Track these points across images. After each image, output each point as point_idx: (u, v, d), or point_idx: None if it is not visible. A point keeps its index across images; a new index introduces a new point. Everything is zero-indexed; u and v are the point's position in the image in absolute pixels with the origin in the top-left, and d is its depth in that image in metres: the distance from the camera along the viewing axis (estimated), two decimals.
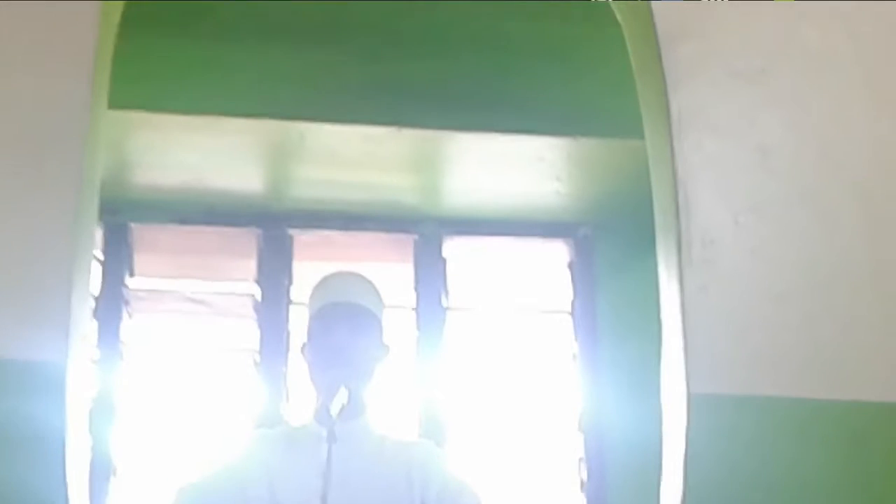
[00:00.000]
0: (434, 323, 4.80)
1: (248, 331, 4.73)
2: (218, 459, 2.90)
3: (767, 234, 2.88)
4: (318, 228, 4.86)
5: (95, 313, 4.40)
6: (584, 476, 4.71)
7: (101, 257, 4.62)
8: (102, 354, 4.56)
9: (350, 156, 4.43)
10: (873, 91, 3.02)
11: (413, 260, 4.88)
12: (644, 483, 3.18)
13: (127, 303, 4.71)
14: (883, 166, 2.96)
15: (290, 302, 4.74)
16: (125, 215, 4.71)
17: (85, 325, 2.84)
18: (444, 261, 4.89)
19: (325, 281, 2.99)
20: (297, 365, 4.54)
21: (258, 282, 4.78)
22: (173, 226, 4.79)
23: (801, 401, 2.78)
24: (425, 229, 4.89)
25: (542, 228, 4.95)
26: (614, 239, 4.84)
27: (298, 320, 4.64)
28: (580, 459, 4.73)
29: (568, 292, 4.93)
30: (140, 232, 4.79)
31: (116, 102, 3.15)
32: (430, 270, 4.86)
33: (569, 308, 4.93)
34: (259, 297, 4.76)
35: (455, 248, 4.93)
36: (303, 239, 4.86)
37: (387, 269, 4.79)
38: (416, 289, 4.83)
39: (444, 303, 4.84)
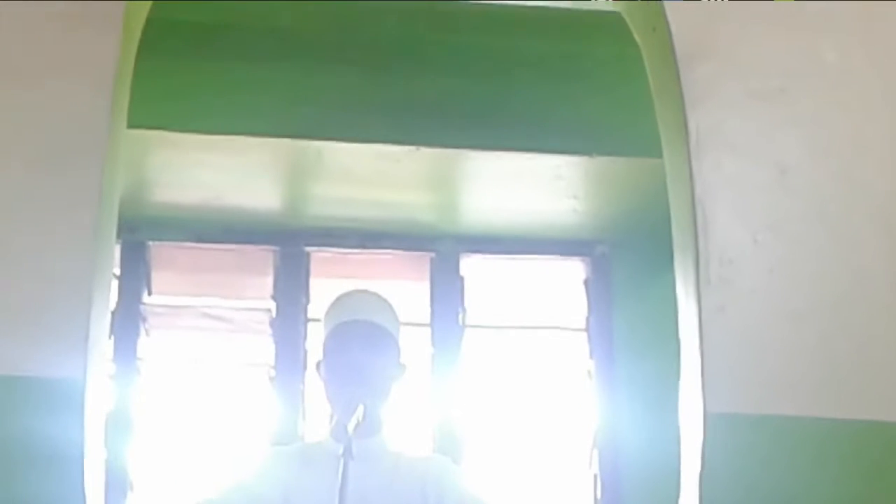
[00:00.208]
0: (450, 340, 4.80)
1: (265, 347, 4.74)
2: (234, 476, 2.91)
3: (785, 253, 2.87)
4: (334, 246, 4.87)
5: (112, 330, 4.40)
6: (599, 493, 4.70)
7: (119, 275, 4.64)
8: (119, 371, 4.57)
9: (367, 174, 4.44)
10: (892, 110, 3.02)
11: (430, 278, 4.89)
12: (659, 501, 3.17)
13: (144, 319, 4.72)
14: None
15: (306, 319, 4.75)
16: (143, 233, 4.73)
17: (103, 342, 2.85)
18: (460, 278, 4.90)
19: (342, 299, 3.00)
20: (314, 382, 4.54)
21: (275, 299, 4.79)
22: (191, 243, 4.81)
23: (818, 420, 2.77)
24: (442, 247, 4.90)
25: (558, 246, 4.95)
26: (631, 257, 4.84)
27: (315, 337, 4.65)
28: (595, 476, 4.72)
29: (584, 310, 4.93)
30: (158, 250, 4.81)
31: (136, 121, 3.17)
32: (446, 288, 4.86)
33: (585, 326, 4.92)
34: (275, 314, 4.77)
35: (472, 266, 4.94)
36: (319, 256, 4.87)
37: (403, 286, 4.80)
38: (432, 306, 4.84)
39: (461, 320, 4.84)
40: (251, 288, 4.89)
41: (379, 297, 3.02)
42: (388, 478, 2.84)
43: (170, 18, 3.76)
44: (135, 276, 4.72)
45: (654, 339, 4.38)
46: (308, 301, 4.78)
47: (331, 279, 4.82)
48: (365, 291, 3.06)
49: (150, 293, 4.78)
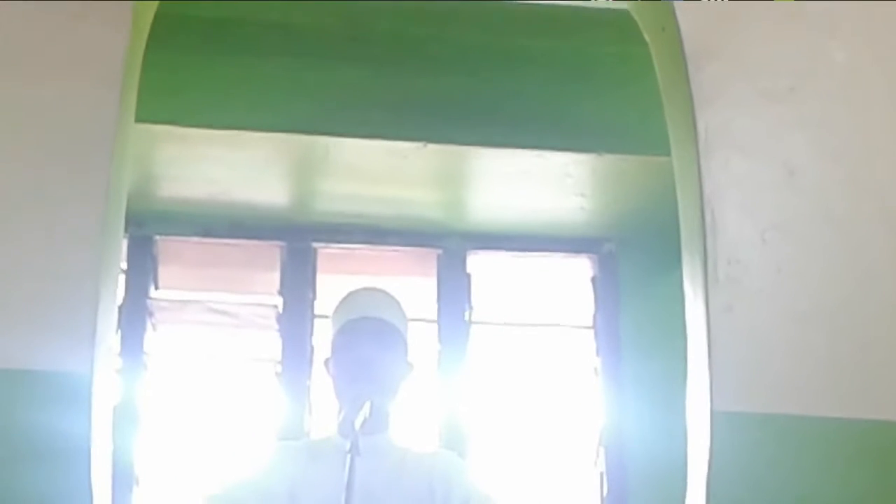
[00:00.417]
0: (457, 337, 4.80)
1: (271, 343, 4.75)
2: (241, 471, 2.91)
3: (794, 253, 2.87)
4: (342, 242, 4.87)
5: (119, 324, 4.41)
6: (605, 491, 4.70)
7: (126, 269, 4.64)
8: (126, 365, 4.58)
9: (375, 170, 4.44)
10: None
11: (437, 274, 4.89)
12: (665, 499, 3.17)
13: (151, 314, 4.73)
14: None
15: (313, 315, 4.75)
16: (150, 227, 4.74)
17: (110, 336, 2.85)
18: (467, 275, 4.90)
19: (351, 296, 3.01)
20: (320, 378, 4.55)
21: (281, 294, 4.80)
22: (198, 238, 4.81)
23: (825, 420, 2.77)
24: (449, 244, 4.90)
25: (566, 244, 4.95)
26: (638, 255, 4.84)
27: (321, 333, 4.65)
28: (601, 474, 4.72)
29: (591, 308, 4.93)
30: (165, 244, 4.81)
31: (143, 116, 3.17)
32: (453, 285, 4.86)
33: (592, 323, 4.92)
34: (282, 310, 4.77)
35: (479, 263, 4.94)
36: (327, 252, 4.87)
37: (410, 283, 4.80)
38: (439, 303, 4.84)
39: (468, 317, 4.84)
40: (258, 283, 4.90)
41: (388, 294, 3.03)
42: (396, 473, 2.84)
43: (179, 14, 3.76)
44: (142, 270, 4.73)
45: (661, 338, 4.38)
46: (315, 297, 4.78)
47: (338, 275, 4.82)
48: (374, 289, 3.06)
49: (156, 288, 4.78)
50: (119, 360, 4.52)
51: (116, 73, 2.87)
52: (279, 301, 4.79)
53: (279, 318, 4.77)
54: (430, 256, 4.92)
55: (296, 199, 4.72)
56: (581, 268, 4.99)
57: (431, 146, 4.30)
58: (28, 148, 2.81)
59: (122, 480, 4.29)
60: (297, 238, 4.83)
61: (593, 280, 4.97)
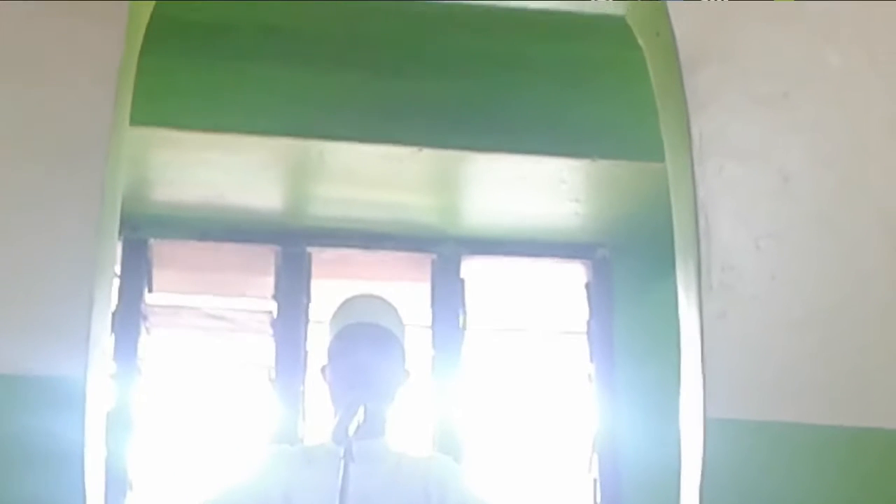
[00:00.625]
0: (451, 342, 4.80)
1: (265, 347, 4.74)
2: (236, 475, 2.91)
3: (788, 260, 2.87)
4: (336, 247, 4.86)
5: (113, 328, 4.39)
6: (599, 497, 4.70)
7: (120, 273, 4.63)
8: (120, 369, 4.57)
9: (369, 175, 4.44)
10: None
11: (431, 279, 4.88)
12: None
13: (145, 318, 4.72)
14: None
15: (307, 320, 4.74)
16: (145, 231, 4.73)
17: (104, 340, 2.85)
18: (461, 280, 4.89)
19: (349, 302, 3.02)
20: (314, 383, 4.54)
21: (276, 298, 4.79)
22: (192, 242, 4.80)
23: (819, 427, 2.78)
24: (443, 249, 4.89)
25: (560, 249, 4.95)
26: (632, 261, 4.84)
27: (316, 338, 4.65)
28: (595, 480, 4.72)
29: (585, 314, 4.93)
30: (159, 248, 4.80)
31: (138, 119, 3.17)
32: (447, 290, 4.86)
33: (586, 329, 4.92)
34: (276, 314, 4.77)
35: (473, 268, 4.93)
36: (321, 257, 4.87)
37: (404, 287, 4.79)
38: (433, 308, 4.83)
39: (462, 322, 4.84)
40: (252, 287, 4.89)
41: (386, 301, 3.03)
42: (391, 478, 2.85)
43: (174, 17, 3.76)
44: (136, 274, 4.72)
45: (654, 344, 4.38)
46: (309, 301, 4.78)
47: (332, 280, 4.82)
48: (372, 295, 3.07)
49: (151, 291, 4.77)
50: (113, 364, 4.51)
51: (111, 76, 2.87)
52: (273, 305, 4.78)
53: (273, 323, 4.77)
54: (424, 261, 4.91)
55: (290, 204, 4.72)
56: (575, 273, 4.99)
57: (426, 151, 4.30)
58: (22, 150, 2.81)
59: (116, 485, 4.28)
60: (291, 242, 4.83)
61: (587, 286, 4.97)
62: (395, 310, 3.01)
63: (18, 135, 2.82)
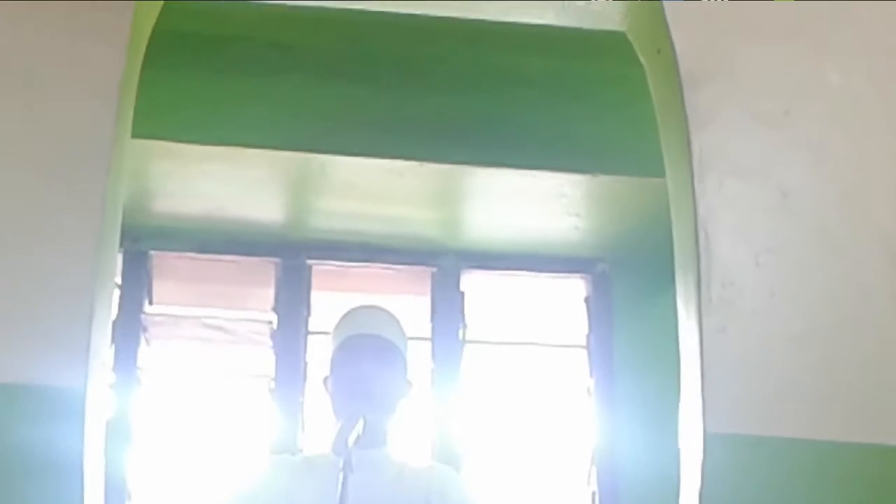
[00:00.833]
0: (451, 355, 4.80)
1: (265, 359, 4.74)
2: (239, 484, 2.91)
3: (788, 276, 2.87)
4: (336, 259, 4.87)
5: (113, 339, 4.38)
6: None
7: (121, 284, 4.64)
8: (120, 380, 4.57)
9: (370, 188, 4.44)
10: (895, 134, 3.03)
11: (431, 292, 4.89)
12: None
13: (145, 329, 4.73)
14: None
15: (307, 331, 4.75)
16: (145, 243, 4.74)
17: (104, 351, 2.85)
18: (461, 294, 4.90)
19: (352, 313, 3.02)
20: (314, 394, 4.55)
21: (276, 311, 4.79)
22: (193, 254, 4.81)
23: (818, 443, 2.78)
24: (444, 262, 4.90)
25: (559, 264, 4.95)
26: (632, 276, 4.85)
27: (316, 349, 4.66)
28: (593, 494, 4.71)
29: (585, 328, 4.93)
30: (159, 259, 4.81)
31: (140, 132, 3.18)
32: (447, 303, 4.86)
33: (585, 343, 4.93)
34: (276, 326, 4.77)
35: (473, 282, 4.94)
36: (321, 269, 4.87)
37: (405, 301, 4.79)
38: (433, 321, 4.84)
39: (461, 335, 4.85)
40: (252, 299, 4.90)
41: (388, 312, 3.04)
42: (393, 487, 2.85)
43: (176, 30, 3.76)
44: (136, 285, 4.73)
45: (654, 358, 4.38)
46: (309, 313, 4.78)
47: (332, 292, 4.83)
48: (375, 307, 3.08)
49: (151, 303, 4.78)
50: (113, 374, 4.51)
51: (113, 89, 2.88)
52: (273, 317, 4.79)
53: (273, 335, 4.77)
54: (424, 274, 4.92)
55: (291, 216, 4.72)
56: (575, 288, 5.00)
57: (427, 165, 4.30)
58: (24, 162, 2.81)
59: (115, 495, 4.28)
60: (291, 255, 4.83)
61: (587, 300, 4.97)
62: (398, 321, 3.01)
63: (20, 147, 2.82)
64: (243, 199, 4.54)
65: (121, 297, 4.64)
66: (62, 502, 2.60)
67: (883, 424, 2.80)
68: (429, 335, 4.80)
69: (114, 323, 3.28)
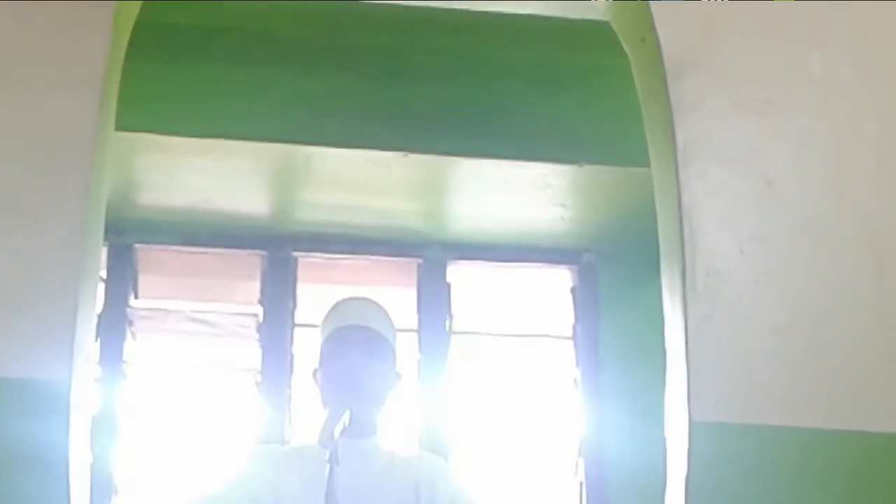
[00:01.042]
0: (437, 347, 4.80)
1: (251, 352, 4.74)
2: (227, 473, 2.91)
3: (772, 264, 2.88)
4: (322, 251, 4.87)
5: (99, 333, 4.40)
6: (585, 500, 4.70)
7: (106, 277, 4.63)
8: (105, 374, 4.56)
9: (356, 180, 4.44)
10: (879, 122, 3.03)
11: (417, 284, 4.89)
12: None
13: (130, 323, 4.72)
14: (888, 197, 2.97)
15: (293, 324, 4.75)
16: (130, 236, 4.73)
17: (89, 344, 2.84)
18: (447, 285, 4.90)
19: (340, 305, 3.02)
20: (301, 387, 4.55)
21: (262, 303, 4.79)
22: (178, 247, 4.80)
23: (803, 430, 2.78)
24: (430, 254, 4.90)
25: (545, 254, 4.96)
26: (618, 266, 4.85)
27: (302, 342, 4.65)
28: (581, 484, 4.72)
29: (571, 318, 4.94)
30: (145, 253, 4.80)
31: (123, 124, 3.17)
32: (433, 295, 4.86)
33: (571, 334, 4.93)
34: (262, 319, 4.77)
35: (459, 273, 4.94)
36: (307, 261, 4.87)
37: (391, 292, 4.79)
38: (419, 312, 4.84)
39: (448, 327, 4.85)
40: (238, 292, 4.89)
41: (377, 304, 3.04)
42: (382, 478, 2.86)
43: (159, 21, 3.75)
44: (121, 278, 4.72)
45: (640, 348, 4.39)
46: (295, 306, 4.78)
47: (318, 284, 4.82)
48: (363, 298, 3.08)
49: (136, 296, 4.77)
50: (98, 368, 4.51)
51: (96, 81, 2.87)
52: (259, 310, 4.78)
53: (259, 328, 4.77)
54: (410, 266, 4.92)
55: (276, 209, 4.72)
56: (561, 278, 5.00)
57: (413, 156, 4.30)
58: (7, 155, 2.80)
59: (101, 490, 4.27)
60: (277, 247, 4.83)
61: (573, 290, 4.98)
62: (386, 313, 3.02)
63: (3, 139, 2.81)
64: (228, 191, 4.53)
65: (106, 291, 4.63)
66: (47, 498, 2.59)
67: (867, 412, 2.81)
68: (415, 326, 4.80)
69: (99, 317, 3.29)
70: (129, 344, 4.68)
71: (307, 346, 4.55)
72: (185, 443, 4.67)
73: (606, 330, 4.85)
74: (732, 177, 2.93)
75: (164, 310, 4.83)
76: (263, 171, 4.41)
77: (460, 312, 4.90)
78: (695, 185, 2.90)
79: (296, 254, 4.85)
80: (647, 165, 3.14)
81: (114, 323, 4.64)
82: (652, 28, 3.03)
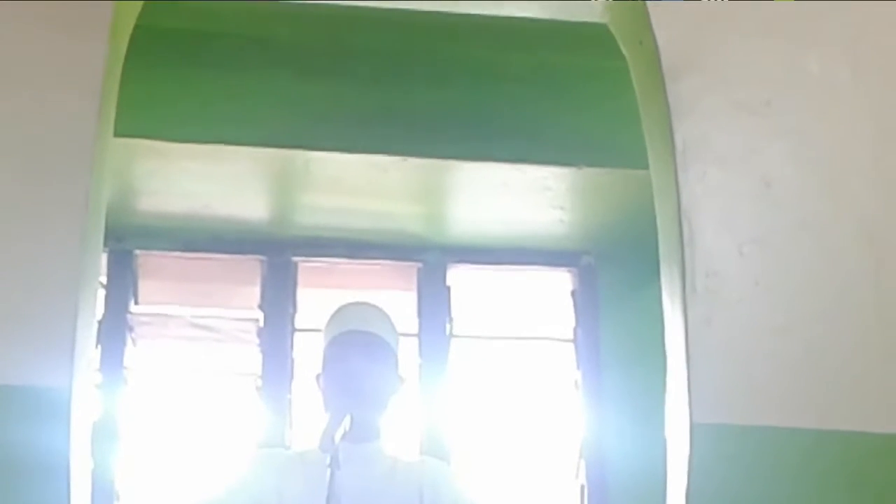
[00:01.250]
0: (437, 350, 4.80)
1: (252, 357, 4.74)
2: (231, 477, 2.91)
3: (771, 265, 2.88)
4: (322, 256, 4.87)
5: (99, 339, 4.38)
6: (586, 503, 4.70)
7: (106, 283, 4.63)
8: (106, 380, 4.56)
9: (355, 184, 4.44)
10: (877, 123, 3.03)
11: (417, 288, 4.89)
12: None
13: (131, 329, 4.72)
14: (887, 198, 2.97)
15: (293, 329, 4.75)
16: (130, 242, 4.72)
17: (89, 350, 2.84)
18: (447, 289, 4.90)
19: (342, 309, 3.03)
20: (301, 391, 4.55)
21: (262, 308, 4.79)
22: (178, 253, 4.80)
23: (803, 431, 2.78)
24: (429, 257, 4.90)
25: (545, 257, 4.96)
26: (617, 268, 4.85)
27: (302, 347, 4.65)
28: (582, 487, 4.72)
29: (571, 321, 4.94)
30: (145, 259, 4.80)
31: (123, 130, 3.17)
32: (433, 298, 4.86)
33: (572, 336, 4.93)
34: (263, 324, 4.77)
35: (459, 276, 4.94)
36: (307, 266, 4.87)
37: (391, 296, 4.79)
38: (419, 316, 4.84)
39: (448, 330, 4.85)
40: (238, 297, 4.89)
41: (379, 309, 3.05)
42: (385, 482, 2.86)
43: (158, 26, 3.76)
44: (122, 284, 4.72)
45: (640, 350, 4.38)
46: (295, 311, 4.78)
47: (318, 289, 4.82)
48: (365, 303, 3.09)
49: (136, 302, 4.77)
50: (99, 374, 4.51)
51: (96, 87, 2.87)
52: (259, 315, 4.78)
53: (259, 333, 4.77)
54: (410, 270, 4.92)
55: (276, 213, 4.72)
56: (561, 281, 5.00)
57: (411, 160, 4.30)
58: (6, 161, 2.80)
59: (103, 496, 4.27)
60: (277, 252, 4.83)
61: (573, 293, 4.98)
62: (388, 317, 3.02)
63: (2, 145, 2.81)
64: (228, 196, 4.53)
65: (106, 297, 4.63)
66: (49, 503, 2.59)
67: (867, 412, 2.81)
68: (415, 330, 4.80)
69: (100, 323, 3.29)
70: (129, 350, 4.68)
71: (307, 350, 4.56)
72: (186, 448, 4.67)
73: (606, 332, 4.85)
74: (731, 178, 2.93)
75: (165, 315, 4.83)
76: (263, 175, 4.42)
77: (460, 316, 4.90)
78: (693, 186, 2.90)
79: (295, 258, 4.85)
80: (646, 167, 3.14)
81: (114, 329, 4.64)
82: (649, 30, 3.03)
